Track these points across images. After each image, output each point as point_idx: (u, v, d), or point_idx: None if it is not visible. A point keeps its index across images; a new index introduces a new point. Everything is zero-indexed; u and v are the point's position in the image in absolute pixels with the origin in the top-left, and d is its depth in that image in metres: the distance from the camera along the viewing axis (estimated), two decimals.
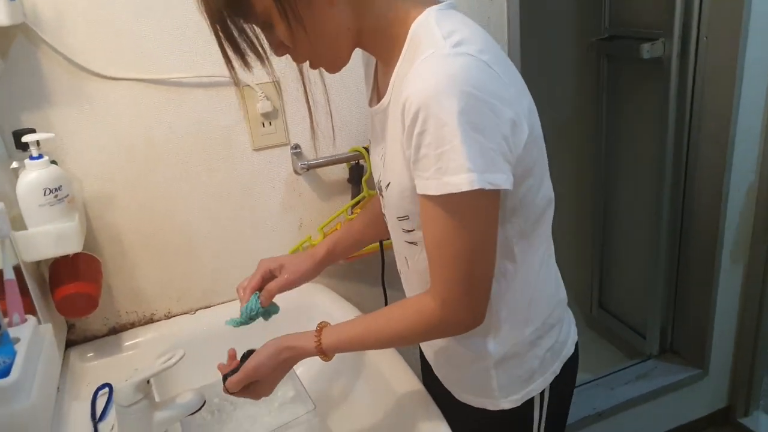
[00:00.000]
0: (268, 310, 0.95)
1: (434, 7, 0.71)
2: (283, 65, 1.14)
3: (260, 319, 0.96)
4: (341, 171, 1.27)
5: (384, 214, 0.87)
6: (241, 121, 1.17)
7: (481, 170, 0.64)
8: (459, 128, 0.63)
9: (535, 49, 2.35)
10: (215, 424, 1.01)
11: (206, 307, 1.25)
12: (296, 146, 1.21)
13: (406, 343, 0.82)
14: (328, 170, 1.26)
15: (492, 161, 0.65)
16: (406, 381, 0.98)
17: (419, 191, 0.69)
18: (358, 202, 1.26)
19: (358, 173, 1.24)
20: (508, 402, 0.87)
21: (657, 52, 1.71)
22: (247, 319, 0.94)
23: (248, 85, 1.15)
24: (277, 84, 1.16)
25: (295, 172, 1.23)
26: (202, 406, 0.89)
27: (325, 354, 0.82)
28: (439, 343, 0.90)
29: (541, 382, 0.87)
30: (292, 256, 0.99)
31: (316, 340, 0.81)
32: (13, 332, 0.60)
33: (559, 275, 0.92)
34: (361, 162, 1.24)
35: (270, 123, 1.18)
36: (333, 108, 1.19)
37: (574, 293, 2.44)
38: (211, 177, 1.18)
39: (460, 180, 0.64)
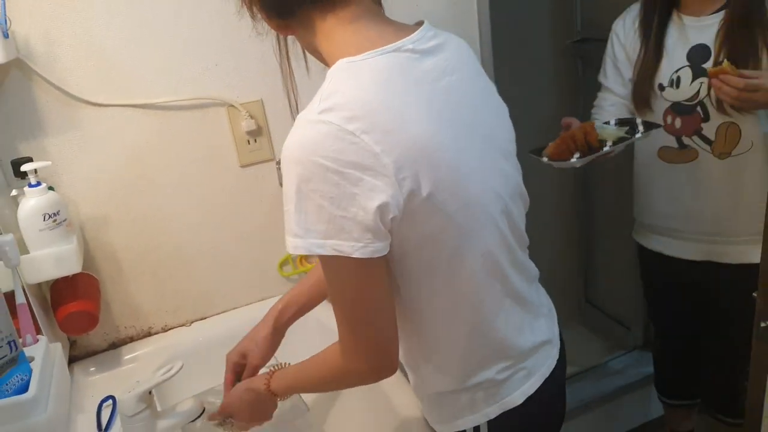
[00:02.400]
0: None
1: (347, 59, 0.70)
2: (268, 86, 1.21)
3: None
4: None
5: None
6: (228, 140, 1.22)
7: (323, 236, 0.65)
8: (296, 195, 0.65)
9: (512, 53, 2.41)
10: (212, 429, 1.06)
11: (201, 319, 1.30)
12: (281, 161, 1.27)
13: (330, 388, 0.88)
14: None
15: (341, 229, 0.65)
16: (400, 390, 1.01)
17: None
18: None
19: None
20: (438, 427, 0.89)
21: None
22: None
23: (233, 105, 1.20)
24: (261, 102, 1.22)
25: (281, 185, 1.28)
26: (202, 413, 0.95)
27: (277, 396, 0.90)
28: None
29: (471, 420, 0.85)
30: (250, 340, 1.01)
31: (266, 383, 0.89)
32: (27, 352, 0.65)
33: (520, 332, 0.85)
34: None
35: (255, 140, 1.24)
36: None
37: (562, 288, 2.51)
38: (201, 194, 1.23)
39: (289, 243, 0.67)
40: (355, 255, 0.66)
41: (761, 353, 0.93)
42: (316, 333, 1.21)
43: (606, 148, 1.20)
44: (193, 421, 0.94)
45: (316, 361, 0.84)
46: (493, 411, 0.85)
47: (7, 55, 0.96)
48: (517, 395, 0.85)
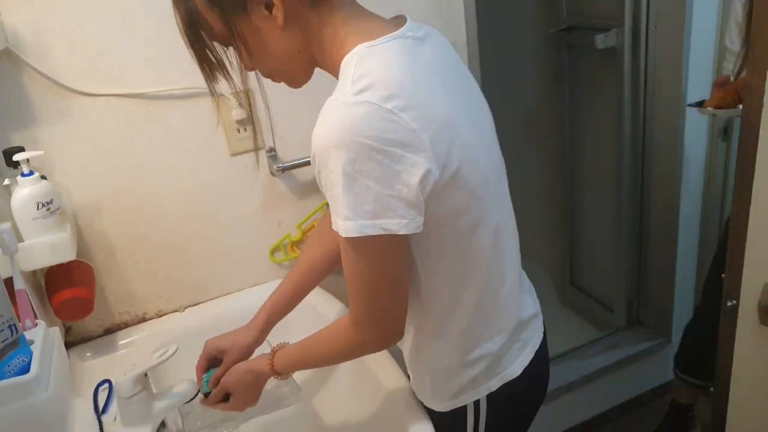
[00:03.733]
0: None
1: (366, 43, 0.72)
2: (254, 74, 1.23)
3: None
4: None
5: None
6: (218, 129, 1.24)
7: (370, 216, 0.67)
8: (343, 177, 0.65)
9: (497, 42, 2.45)
10: (208, 411, 1.09)
11: (194, 305, 1.33)
12: (271, 149, 1.29)
13: (337, 362, 0.90)
14: (303, 170, 1.33)
15: (387, 206, 0.67)
16: (390, 371, 1.05)
17: None
18: None
19: None
20: (437, 406, 0.92)
21: (611, 42, 1.80)
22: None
23: (223, 95, 1.22)
24: (250, 92, 1.23)
25: (272, 173, 1.30)
26: (197, 394, 0.97)
27: (280, 375, 0.93)
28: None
29: (472, 394, 0.89)
30: (233, 340, 1.03)
31: (270, 364, 0.91)
32: (27, 335, 0.68)
33: (517, 304, 0.91)
34: None
35: (245, 129, 1.26)
36: (306, 108, 1.26)
37: (548, 273, 2.56)
38: (192, 182, 1.25)
39: (340, 226, 0.69)
40: (402, 232, 0.69)
41: (727, 331, 0.97)
42: (311, 320, 1.24)
43: None
44: (188, 402, 0.97)
45: (324, 336, 0.87)
46: (494, 384, 0.89)
47: None
48: (515, 367, 0.90)
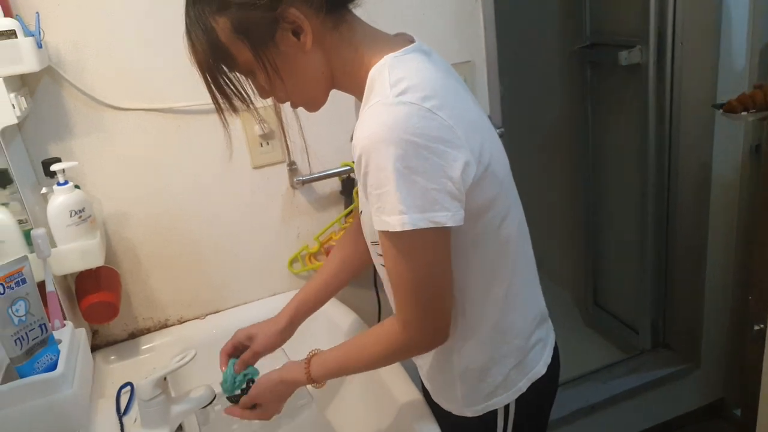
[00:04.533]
0: (246, 375, 1.04)
1: (392, 54, 0.76)
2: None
3: None
4: (334, 184, 1.39)
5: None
6: (241, 143, 1.29)
7: (420, 210, 0.70)
8: (394, 173, 0.68)
9: (521, 57, 2.46)
10: (224, 419, 1.11)
11: (215, 312, 1.37)
12: (292, 163, 1.33)
13: (382, 365, 0.90)
14: (322, 184, 1.37)
15: (435, 200, 0.70)
16: (401, 382, 1.07)
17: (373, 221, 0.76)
18: (350, 212, 1.37)
19: (349, 186, 1.36)
20: (470, 411, 0.92)
21: (634, 59, 1.80)
22: (231, 388, 1.03)
23: (246, 110, 1.26)
24: (272, 108, 1.28)
25: (292, 186, 1.34)
26: (213, 399, 1.00)
27: (316, 383, 0.93)
28: None
29: (505, 398, 0.91)
30: (262, 327, 1.06)
31: (306, 372, 0.92)
32: (55, 335, 0.72)
33: (536, 297, 0.95)
34: (352, 175, 1.35)
35: (267, 143, 1.31)
36: (325, 126, 1.30)
37: (571, 292, 2.53)
38: (216, 194, 1.30)
39: (394, 221, 0.71)
40: (449, 224, 0.72)
41: (754, 353, 0.96)
42: (325, 330, 1.27)
43: None
44: (204, 407, 1.00)
45: (368, 340, 0.87)
46: (524, 385, 0.92)
47: (41, 64, 1.03)
48: (540, 366, 0.94)
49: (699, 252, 1.84)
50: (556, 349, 0.98)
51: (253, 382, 1.02)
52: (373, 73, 0.76)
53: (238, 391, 1.01)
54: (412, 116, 0.69)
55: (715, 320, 1.93)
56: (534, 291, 0.95)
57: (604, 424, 1.92)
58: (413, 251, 0.75)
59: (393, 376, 1.09)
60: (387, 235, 0.74)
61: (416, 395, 1.03)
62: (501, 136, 0.90)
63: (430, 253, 0.76)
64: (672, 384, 1.98)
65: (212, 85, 0.78)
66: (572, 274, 2.51)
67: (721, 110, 1.48)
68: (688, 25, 1.68)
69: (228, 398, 1.02)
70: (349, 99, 0.90)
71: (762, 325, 0.93)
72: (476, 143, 0.75)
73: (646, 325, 2.07)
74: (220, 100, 0.79)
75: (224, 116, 0.81)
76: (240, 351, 1.06)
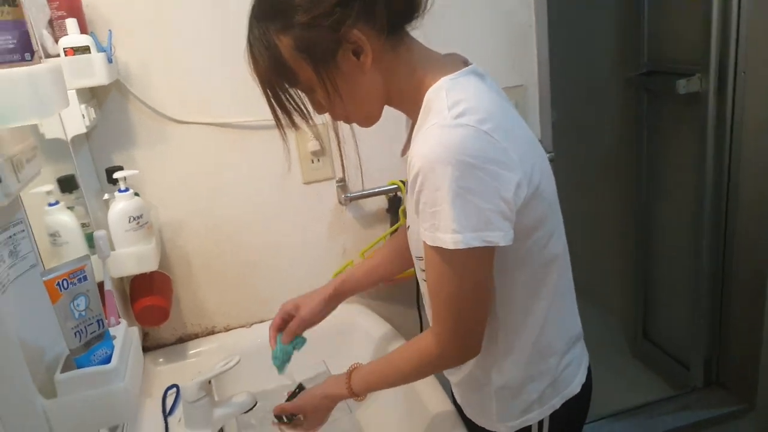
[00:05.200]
0: (294, 345, 1.08)
1: (449, 76, 0.78)
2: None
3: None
4: (381, 201, 1.41)
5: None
6: (294, 159, 1.33)
7: (474, 230, 0.72)
8: (450, 193, 0.70)
9: (577, 83, 2.45)
10: (263, 425, 1.13)
11: (260, 322, 1.41)
12: (341, 180, 1.36)
13: (419, 377, 0.91)
14: (369, 201, 1.40)
15: (488, 220, 0.72)
16: (437, 397, 1.09)
17: (421, 236, 0.77)
18: (396, 230, 1.39)
19: (395, 204, 1.38)
20: (504, 426, 0.93)
21: (693, 87, 1.75)
22: (281, 362, 1.07)
23: (300, 127, 1.31)
24: (325, 125, 1.32)
25: (340, 203, 1.37)
26: (254, 405, 1.02)
27: (358, 396, 0.95)
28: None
29: (538, 414, 0.92)
30: (307, 297, 1.10)
31: (347, 387, 0.94)
32: (111, 331, 0.77)
33: (574, 318, 0.97)
34: (399, 194, 1.37)
35: (318, 160, 1.34)
36: (374, 144, 1.33)
37: (620, 323, 2.46)
38: (267, 207, 1.34)
39: (448, 239, 0.72)
40: (501, 243, 0.74)
41: None
42: (363, 344, 1.28)
43: None
44: (246, 412, 1.02)
45: (404, 354, 0.90)
46: (557, 402, 0.92)
47: (110, 78, 1.10)
48: (575, 384, 0.94)
49: (758, 284, 1.76)
50: (589, 369, 0.99)
51: (299, 348, 1.06)
52: (430, 94, 0.78)
53: (284, 421, 1.02)
54: (469, 138, 0.71)
55: None
56: (572, 310, 0.96)
57: None
58: (461, 269, 0.76)
59: (428, 388, 1.10)
60: (438, 251, 0.75)
61: (449, 407, 1.04)
62: (551, 160, 0.91)
63: (477, 272, 0.77)
64: (724, 425, 1.88)
65: (273, 100, 0.80)
66: (622, 303, 2.44)
67: None
68: (751, 54, 1.63)
69: (275, 416, 1.03)
70: (397, 119, 0.93)
71: None
72: (528, 165, 0.77)
73: (699, 361, 1.98)
74: (280, 115, 0.82)
75: (283, 131, 0.84)
76: (287, 322, 1.09)
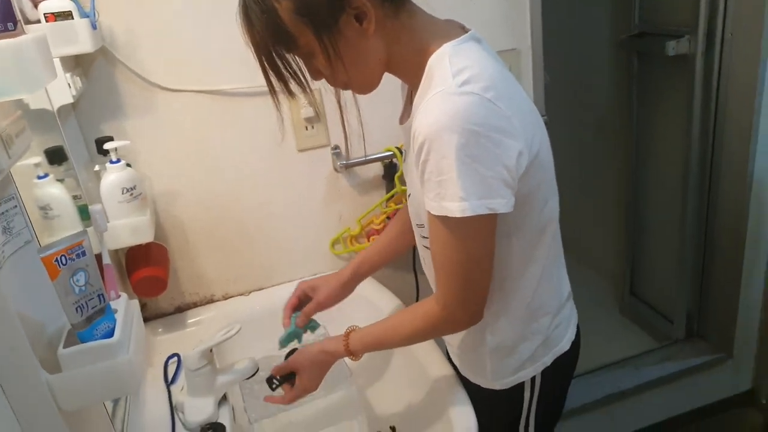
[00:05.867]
0: (308, 328, 1.09)
1: (451, 43, 0.77)
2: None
3: None
4: (377, 168, 1.40)
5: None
6: (287, 126, 1.31)
7: (478, 197, 0.72)
8: (456, 161, 0.71)
9: (569, 45, 2.43)
10: (264, 391, 1.15)
11: (259, 289, 1.41)
12: (336, 147, 1.35)
13: (418, 341, 0.93)
14: (364, 168, 1.39)
15: (491, 188, 0.73)
16: (436, 360, 1.11)
17: (426, 207, 0.78)
18: (392, 197, 1.39)
19: (391, 170, 1.38)
20: (498, 384, 0.97)
21: (682, 49, 1.76)
22: (287, 342, 1.08)
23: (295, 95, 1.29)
24: (319, 91, 1.30)
25: (335, 170, 1.37)
26: (256, 372, 1.04)
27: (354, 355, 0.97)
28: None
29: (531, 370, 0.96)
30: (325, 279, 1.11)
31: (345, 344, 0.95)
32: (112, 305, 0.77)
33: (564, 278, 0.99)
34: (394, 160, 1.36)
35: (312, 126, 1.33)
36: (369, 111, 1.31)
37: (608, 280, 2.52)
38: (262, 175, 1.33)
39: (455, 207, 0.73)
40: (503, 210, 0.75)
41: None
42: (364, 311, 1.29)
43: None
44: (248, 378, 1.04)
45: (405, 318, 0.92)
46: (549, 359, 0.96)
47: (95, 45, 1.07)
48: (565, 341, 0.98)
49: (738, 244, 1.82)
50: (577, 326, 1.03)
51: (313, 332, 1.07)
52: (432, 61, 0.78)
53: (275, 385, 1.03)
54: (474, 106, 0.71)
55: (750, 312, 1.92)
56: (562, 272, 0.98)
57: (635, 410, 1.93)
58: (466, 236, 0.77)
59: (428, 353, 1.12)
60: (443, 220, 0.76)
61: (449, 370, 1.07)
62: (546, 123, 0.91)
63: (481, 238, 0.78)
64: (704, 373, 1.98)
65: (268, 66, 0.79)
66: (611, 262, 2.50)
67: None
68: (738, 16, 1.63)
69: (270, 384, 1.04)
70: (392, 85, 0.92)
71: None
72: (529, 133, 0.77)
73: (681, 315, 2.06)
74: (275, 82, 0.80)
75: (276, 98, 0.83)
76: (304, 304, 1.10)
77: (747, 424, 2.03)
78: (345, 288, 1.10)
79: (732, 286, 1.88)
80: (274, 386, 1.03)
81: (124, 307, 0.80)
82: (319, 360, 0.99)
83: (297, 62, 0.81)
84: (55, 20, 1.02)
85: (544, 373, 0.97)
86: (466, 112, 0.71)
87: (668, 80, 1.93)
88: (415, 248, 1.37)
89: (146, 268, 1.18)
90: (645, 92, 2.05)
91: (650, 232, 2.22)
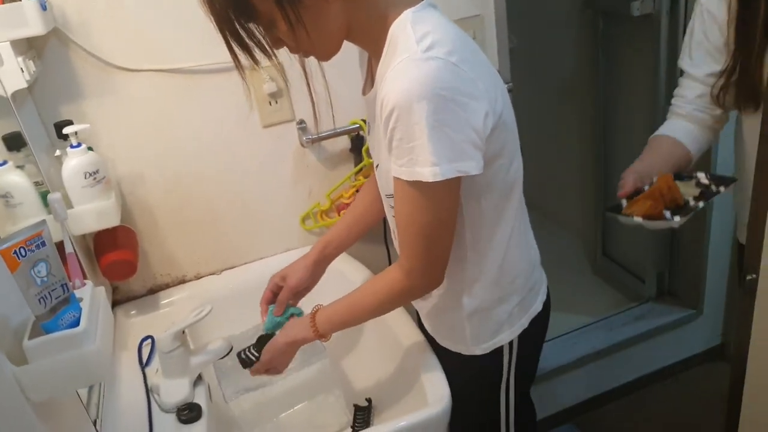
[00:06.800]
0: (287, 316, 1.08)
1: (411, 9, 0.78)
2: (286, 49, 1.27)
3: None
4: (344, 142, 1.40)
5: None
6: (250, 102, 1.29)
7: (449, 161, 0.74)
8: (426, 127, 0.72)
9: (533, 7, 2.41)
10: (239, 369, 1.16)
11: (230, 268, 1.41)
12: (301, 121, 1.34)
13: (386, 311, 0.95)
14: (331, 142, 1.38)
15: (462, 151, 0.75)
16: (408, 329, 1.13)
17: (393, 174, 0.80)
18: (360, 170, 1.39)
19: (358, 143, 1.37)
20: (479, 349, 0.99)
21: (647, 8, 1.76)
22: (272, 330, 1.07)
23: (254, 68, 1.26)
24: (280, 66, 1.28)
25: (302, 145, 1.36)
26: (230, 351, 1.05)
27: (324, 337, 0.98)
28: (422, 297, 1.01)
29: (509, 334, 0.99)
30: (292, 266, 1.11)
31: (313, 329, 0.96)
32: (77, 293, 0.76)
33: (532, 241, 1.02)
34: (361, 133, 1.36)
35: (276, 101, 1.31)
36: (333, 85, 1.29)
37: (580, 242, 2.56)
38: (227, 153, 1.32)
39: (427, 172, 0.74)
40: (473, 172, 0.77)
41: (746, 305, 0.98)
42: (337, 285, 1.30)
43: (699, 204, 1.04)
44: (222, 358, 1.05)
45: (369, 290, 0.93)
46: (525, 321, 1.00)
47: (46, 26, 1.04)
48: (538, 303, 1.02)
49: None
50: (548, 287, 1.07)
51: (264, 337, 1.06)
52: (394, 28, 0.78)
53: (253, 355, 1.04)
54: (440, 71, 0.72)
55: (717, 270, 1.97)
56: (530, 234, 1.01)
57: (610, 370, 1.99)
58: (435, 201, 0.79)
59: (399, 322, 1.15)
60: (414, 185, 0.77)
61: (419, 337, 1.10)
62: (509, 91, 0.92)
63: (448, 201, 0.80)
64: (675, 330, 2.04)
65: (231, 38, 0.78)
66: (582, 224, 2.54)
67: (636, 218, 1.04)
68: None
69: (240, 359, 1.04)
70: (353, 58, 0.90)
71: (755, 275, 0.95)
72: (492, 94, 0.79)
73: (652, 274, 2.10)
74: (240, 54, 0.80)
75: (242, 71, 0.83)
76: (277, 294, 1.10)
77: (718, 377, 2.10)
78: (314, 270, 1.10)
79: (700, 244, 1.92)
80: (245, 365, 1.04)
81: (90, 295, 0.80)
82: (288, 352, 1.01)
83: (260, 30, 0.80)
84: (3, 3, 0.99)
85: (522, 336, 0.99)
86: (433, 78, 0.72)
87: (634, 41, 1.93)
88: (385, 220, 1.39)
89: (114, 252, 1.17)
90: (610, 54, 2.05)
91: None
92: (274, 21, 0.78)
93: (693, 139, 1.15)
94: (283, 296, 1.08)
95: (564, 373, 1.91)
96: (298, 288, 1.09)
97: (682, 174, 1.13)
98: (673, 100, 1.20)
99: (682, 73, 1.18)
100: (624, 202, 1.08)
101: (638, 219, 1.03)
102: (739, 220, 1.27)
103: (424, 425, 0.94)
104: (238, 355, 1.04)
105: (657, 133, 1.18)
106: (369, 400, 1.16)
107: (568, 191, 2.57)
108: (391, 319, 1.12)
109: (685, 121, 1.16)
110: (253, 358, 1.03)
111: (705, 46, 1.09)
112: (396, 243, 1.01)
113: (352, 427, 1.14)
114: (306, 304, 1.11)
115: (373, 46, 0.83)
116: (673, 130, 1.16)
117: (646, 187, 1.07)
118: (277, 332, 1.04)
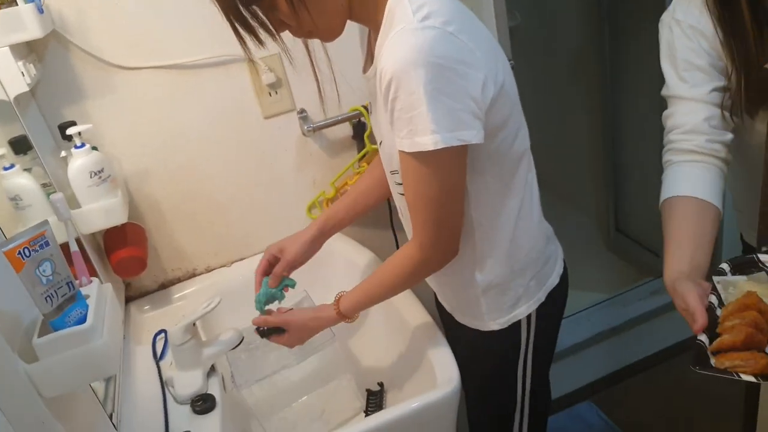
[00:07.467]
0: (281, 288, 1.09)
1: None
2: (284, 37, 1.27)
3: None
4: (345, 129, 1.39)
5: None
6: (251, 93, 1.30)
7: (449, 129, 0.74)
8: (425, 96, 0.72)
9: None
10: (252, 359, 1.17)
11: (240, 260, 1.42)
12: (302, 111, 1.34)
13: (405, 287, 0.96)
14: (333, 130, 1.38)
15: (461, 120, 0.75)
16: (415, 311, 1.14)
17: (397, 147, 0.80)
18: (363, 156, 1.39)
19: (360, 130, 1.37)
20: (496, 324, 0.99)
21: None
22: (263, 304, 1.08)
23: (252, 60, 1.27)
24: (279, 56, 1.28)
25: (303, 134, 1.36)
26: (241, 341, 1.07)
27: (347, 317, 0.99)
28: (437, 275, 1.00)
29: (526, 308, 0.99)
30: (291, 239, 1.11)
31: (336, 309, 0.98)
32: (83, 291, 0.78)
33: (542, 216, 1.01)
34: (362, 119, 1.36)
35: (276, 92, 1.31)
36: (335, 71, 1.30)
37: (594, 218, 2.54)
38: (230, 145, 1.32)
39: (427, 140, 0.75)
40: (474, 141, 0.77)
41: None
42: (344, 271, 1.31)
43: None
44: (233, 348, 1.06)
45: (387, 268, 0.94)
46: (542, 295, 1.00)
47: (44, 29, 1.04)
48: (554, 276, 1.02)
49: None
50: (564, 261, 1.06)
51: (292, 287, 1.08)
52: (391, 2, 0.78)
53: (264, 333, 1.05)
54: (437, 40, 0.73)
55: (733, 241, 1.92)
56: (539, 207, 1.00)
57: (626, 345, 1.98)
58: (439, 169, 0.79)
59: (408, 305, 1.15)
60: (416, 156, 0.78)
61: (429, 320, 1.10)
62: (512, 68, 0.91)
63: (452, 171, 0.81)
64: None
65: (236, 23, 0.79)
66: (595, 200, 2.51)
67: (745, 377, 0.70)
68: None
69: (259, 332, 1.05)
70: (353, 45, 0.90)
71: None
72: (492, 63, 0.79)
73: None
74: (246, 37, 0.81)
75: (250, 52, 0.84)
76: (273, 265, 1.11)
77: None
78: (312, 245, 1.10)
79: None
80: (262, 335, 1.05)
81: (96, 291, 0.81)
82: (310, 326, 1.02)
83: (263, 11, 0.81)
84: None
85: (539, 309, 0.99)
86: (429, 46, 0.72)
87: (640, 13, 1.90)
88: (390, 204, 1.39)
89: (124, 249, 1.19)
90: (617, 27, 2.02)
91: (631, 167, 2.22)
92: (275, 3, 0.78)
93: (716, 190, 0.92)
94: (278, 269, 1.08)
95: (580, 350, 1.91)
96: (295, 263, 1.10)
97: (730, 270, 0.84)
98: (670, 136, 0.99)
99: (667, 105, 1.01)
100: (704, 338, 0.77)
101: (756, 379, 0.69)
102: (745, 221, 1.19)
103: (434, 406, 0.95)
104: (257, 329, 1.05)
105: (670, 193, 0.94)
106: (381, 384, 1.17)
107: (580, 169, 2.55)
108: (398, 301, 1.12)
109: (696, 164, 0.94)
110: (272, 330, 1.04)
111: (696, 63, 0.95)
112: (404, 222, 1.02)
113: (365, 411, 1.15)
114: (315, 291, 1.11)
115: (374, 21, 0.83)
116: (691, 185, 0.93)
117: (718, 310, 0.78)
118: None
